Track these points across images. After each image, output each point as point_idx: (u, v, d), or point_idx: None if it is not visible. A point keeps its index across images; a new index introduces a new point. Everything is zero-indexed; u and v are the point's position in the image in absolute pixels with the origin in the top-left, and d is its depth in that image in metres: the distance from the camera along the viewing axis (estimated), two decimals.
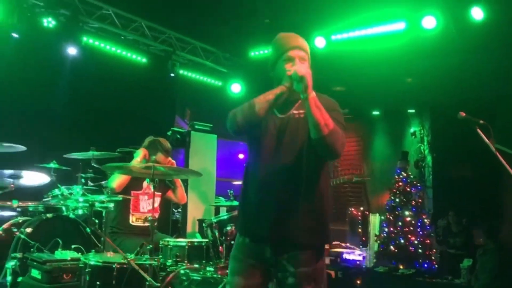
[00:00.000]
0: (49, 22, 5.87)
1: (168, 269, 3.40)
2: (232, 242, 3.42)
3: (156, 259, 3.04)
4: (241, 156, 9.59)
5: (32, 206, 4.64)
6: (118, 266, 3.09)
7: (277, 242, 2.39)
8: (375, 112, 9.67)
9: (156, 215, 3.19)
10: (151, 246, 3.06)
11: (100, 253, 3.48)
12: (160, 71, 7.23)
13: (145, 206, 4.35)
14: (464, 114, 3.71)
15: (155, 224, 3.10)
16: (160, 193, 4.40)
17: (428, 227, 7.92)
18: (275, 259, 2.41)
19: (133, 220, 4.29)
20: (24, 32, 5.70)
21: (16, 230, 4.33)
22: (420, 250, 7.65)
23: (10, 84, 5.65)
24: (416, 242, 7.76)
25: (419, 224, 7.92)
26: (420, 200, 8.19)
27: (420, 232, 7.85)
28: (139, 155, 4.32)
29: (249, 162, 2.58)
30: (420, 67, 7.52)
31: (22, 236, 4.03)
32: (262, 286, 2.46)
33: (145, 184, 4.27)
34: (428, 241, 7.83)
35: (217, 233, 3.47)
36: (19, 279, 3.90)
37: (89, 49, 6.43)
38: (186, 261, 3.49)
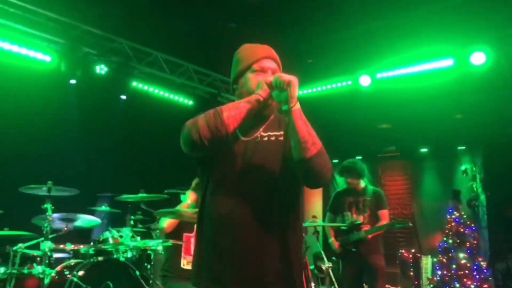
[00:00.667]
0: (101, 69, 6.14)
1: None
2: None
3: None
4: None
5: (84, 249, 4.71)
6: None
7: None
8: (423, 150, 9.42)
9: None
10: None
11: None
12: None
13: None
14: None
15: None
16: None
17: (485, 271, 7.52)
18: None
19: (184, 263, 4.26)
20: (79, 79, 5.97)
21: (68, 272, 4.39)
22: None
23: (65, 128, 5.89)
24: (472, 286, 7.38)
25: (475, 267, 7.54)
26: (475, 242, 7.81)
27: (477, 276, 7.46)
28: (188, 198, 4.33)
29: (205, 195, 2.08)
30: (469, 103, 7.32)
31: (75, 279, 4.07)
32: None
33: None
34: (486, 286, 7.42)
35: None
36: None
37: (139, 93, 6.65)
38: None
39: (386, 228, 5.02)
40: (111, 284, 3.95)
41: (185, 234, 4.27)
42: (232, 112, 1.92)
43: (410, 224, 5.03)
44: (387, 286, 7.67)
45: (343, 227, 5.07)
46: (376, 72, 7.15)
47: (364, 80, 7.19)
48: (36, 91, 5.57)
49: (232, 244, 1.94)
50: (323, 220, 5.67)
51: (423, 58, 6.66)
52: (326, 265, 3.64)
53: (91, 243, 4.82)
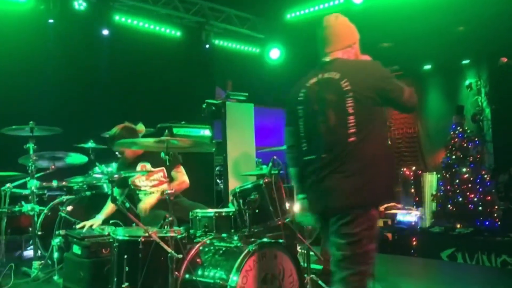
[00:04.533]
0: (80, 4, 5.97)
1: (196, 240, 3.43)
2: (257, 211, 3.38)
3: (177, 231, 3.06)
4: None
5: (76, 185, 4.82)
6: (144, 239, 3.13)
7: (321, 209, 2.51)
8: (427, 67, 9.15)
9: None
10: (170, 218, 3.07)
11: (130, 228, 3.55)
12: (195, 43, 7.22)
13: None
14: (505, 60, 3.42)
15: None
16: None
17: (488, 183, 7.49)
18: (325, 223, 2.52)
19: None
20: (57, 17, 5.84)
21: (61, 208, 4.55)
22: (480, 208, 7.27)
23: (49, 68, 5.84)
24: (475, 199, 7.39)
25: (478, 180, 7.51)
26: (478, 156, 7.73)
27: (480, 189, 7.44)
28: None
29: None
30: (472, 14, 6.97)
31: (63, 214, 4.22)
32: None
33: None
34: (489, 198, 7.41)
35: (241, 202, 3.42)
36: (65, 254, 4.10)
37: (122, 28, 6.51)
38: (214, 231, 3.49)
39: None
40: None
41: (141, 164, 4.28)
42: None
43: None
44: (390, 204, 7.77)
45: None
46: None
47: None
48: (14, 33, 5.50)
49: None
50: None
51: None
52: None
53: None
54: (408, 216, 7.59)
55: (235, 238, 3.34)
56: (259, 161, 4.22)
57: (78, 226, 4.07)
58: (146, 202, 4.02)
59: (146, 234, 3.13)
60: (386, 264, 5.62)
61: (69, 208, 4.31)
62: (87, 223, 4.10)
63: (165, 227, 3.16)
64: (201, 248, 3.30)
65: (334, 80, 2.52)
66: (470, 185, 7.46)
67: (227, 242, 3.32)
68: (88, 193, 4.43)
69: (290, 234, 3.60)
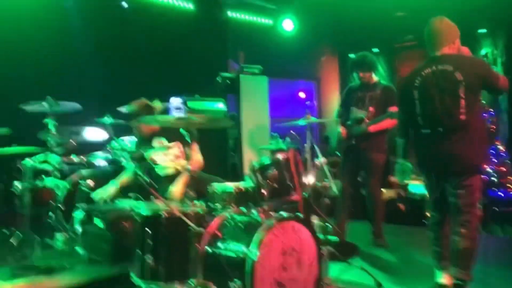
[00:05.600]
0: None
1: (215, 214, 3.49)
2: (275, 186, 3.43)
3: (199, 206, 3.12)
4: (301, 94, 9.43)
5: (93, 157, 4.89)
6: (166, 214, 3.21)
7: (439, 170, 3.44)
8: None
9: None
10: (191, 193, 3.13)
11: (151, 202, 3.62)
12: (208, 16, 7.13)
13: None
14: None
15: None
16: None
17: (503, 154, 7.47)
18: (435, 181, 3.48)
19: None
20: None
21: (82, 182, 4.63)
22: (494, 179, 7.28)
23: (66, 41, 5.83)
24: (490, 170, 7.39)
25: (492, 151, 7.49)
26: (493, 126, 7.68)
27: (495, 160, 7.44)
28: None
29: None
30: None
31: (85, 189, 4.31)
32: None
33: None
34: (504, 168, 7.41)
35: (260, 177, 3.47)
36: (86, 227, 4.20)
37: (136, 2, 6.44)
38: (233, 205, 3.55)
39: (388, 118, 4.92)
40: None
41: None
42: None
43: None
44: (394, 179, 7.80)
45: (348, 122, 5.06)
46: None
47: None
48: (30, 6, 5.47)
49: None
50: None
51: None
52: (320, 160, 3.68)
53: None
54: (421, 187, 7.61)
55: (254, 212, 3.40)
56: (276, 135, 4.24)
57: (97, 198, 4.17)
58: (175, 189, 4.08)
59: (168, 209, 3.21)
60: (400, 235, 5.70)
61: (90, 182, 4.40)
62: (104, 193, 4.20)
63: (186, 202, 3.24)
64: (221, 222, 3.37)
65: (448, 72, 3.32)
66: None
67: (246, 216, 3.38)
68: (109, 167, 4.51)
69: (308, 207, 3.65)
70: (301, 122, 4.23)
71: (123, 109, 4.66)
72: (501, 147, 7.50)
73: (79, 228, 4.20)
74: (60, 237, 4.45)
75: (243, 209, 3.52)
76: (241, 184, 3.70)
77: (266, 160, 3.53)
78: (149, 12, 6.66)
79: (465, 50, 3.58)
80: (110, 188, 4.21)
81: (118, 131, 5.08)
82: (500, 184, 7.21)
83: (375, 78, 5.14)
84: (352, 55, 5.33)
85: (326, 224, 3.81)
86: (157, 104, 4.42)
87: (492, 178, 7.24)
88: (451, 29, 3.62)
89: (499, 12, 7.61)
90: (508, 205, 6.83)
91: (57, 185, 4.45)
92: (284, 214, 3.24)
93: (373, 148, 4.99)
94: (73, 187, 4.65)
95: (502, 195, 7.11)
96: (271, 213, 3.33)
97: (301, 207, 3.43)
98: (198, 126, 3.70)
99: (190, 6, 7.11)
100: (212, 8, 7.19)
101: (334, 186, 3.59)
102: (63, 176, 4.73)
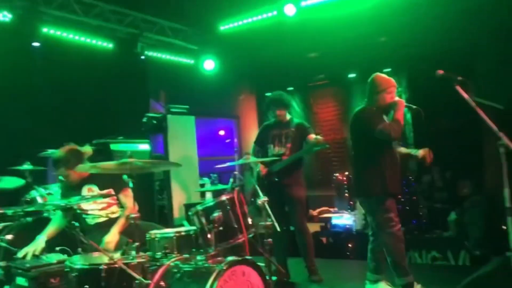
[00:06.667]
0: (5, 16, 5.57)
1: (157, 263, 3.32)
2: (221, 229, 3.35)
3: (143, 256, 2.96)
4: (221, 132, 9.47)
5: (10, 211, 4.49)
6: (106, 267, 3.00)
7: None
8: (352, 75, 9.57)
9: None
10: (137, 243, 2.97)
11: (86, 254, 3.37)
12: (128, 55, 6.99)
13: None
14: (442, 72, 3.68)
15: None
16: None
17: (413, 184, 7.97)
18: None
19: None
20: None
21: None
22: (407, 208, 7.72)
23: None
24: (403, 200, 7.82)
25: (404, 182, 7.96)
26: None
27: (406, 190, 7.90)
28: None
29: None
30: (392, 25, 7.45)
31: (3, 244, 3.91)
32: None
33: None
34: (415, 198, 7.89)
35: (204, 221, 3.38)
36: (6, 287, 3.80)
37: (53, 40, 6.15)
38: (176, 252, 3.41)
39: (305, 154, 5.14)
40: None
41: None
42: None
43: (327, 146, 5.15)
44: (324, 208, 8.04)
45: (267, 160, 5.14)
46: (301, 0, 7.03)
47: (289, 10, 7.05)
48: None
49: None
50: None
51: None
52: (262, 199, 3.67)
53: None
54: (342, 219, 7.86)
55: (199, 258, 3.28)
56: (215, 176, 4.19)
57: (20, 255, 3.80)
58: (110, 239, 3.81)
59: (107, 261, 3.00)
60: (328, 268, 5.75)
61: (9, 236, 4.00)
62: (30, 249, 3.83)
63: (128, 252, 3.06)
64: (165, 271, 3.21)
65: None
66: None
67: (192, 263, 3.25)
68: (29, 219, 4.13)
69: (253, 250, 3.61)
70: (242, 161, 4.22)
71: (48, 154, 4.35)
72: (411, 178, 8.01)
73: None
74: None
75: (187, 255, 3.39)
76: (180, 229, 3.58)
77: (210, 202, 3.45)
78: (68, 51, 6.38)
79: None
80: (38, 243, 3.84)
81: (37, 179, 4.72)
82: (413, 213, 7.67)
83: (288, 116, 5.34)
84: (268, 94, 5.53)
85: (271, 264, 3.77)
86: (87, 149, 4.18)
87: (406, 208, 7.68)
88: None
89: (401, 53, 8.29)
90: (423, 232, 7.26)
91: None
92: (233, 258, 3.17)
93: (295, 183, 5.16)
94: None
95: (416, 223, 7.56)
96: (219, 258, 3.24)
97: (247, 249, 3.38)
98: (141, 171, 3.55)
99: (110, 46, 6.93)
100: (132, 48, 7.06)
101: (277, 225, 3.57)
102: None
